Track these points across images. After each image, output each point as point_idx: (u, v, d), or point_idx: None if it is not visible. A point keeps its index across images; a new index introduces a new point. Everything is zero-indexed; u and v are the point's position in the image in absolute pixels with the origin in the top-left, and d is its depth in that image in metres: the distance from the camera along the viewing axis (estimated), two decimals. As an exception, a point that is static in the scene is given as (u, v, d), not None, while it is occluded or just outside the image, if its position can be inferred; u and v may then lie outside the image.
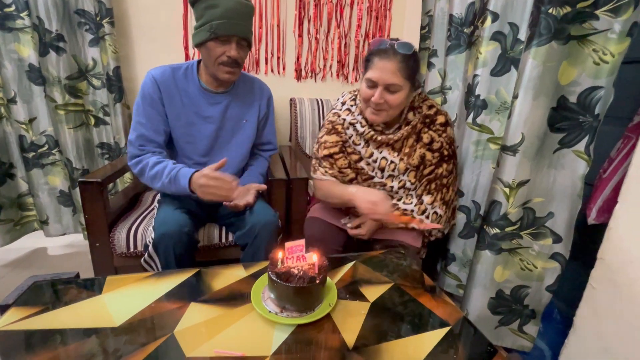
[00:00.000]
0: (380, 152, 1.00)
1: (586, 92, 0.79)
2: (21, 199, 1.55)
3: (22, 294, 0.65)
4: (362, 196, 0.91)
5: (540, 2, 0.80)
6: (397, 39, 0.90)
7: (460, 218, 1.18)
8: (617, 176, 0.82)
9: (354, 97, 1.06)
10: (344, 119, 1.02)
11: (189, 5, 1.17)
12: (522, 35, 0.98)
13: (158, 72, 1.02)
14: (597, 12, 0.75)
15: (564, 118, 0.83)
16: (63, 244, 1.71)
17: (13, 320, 0.58)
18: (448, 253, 1.23)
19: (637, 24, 0.71)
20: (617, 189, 0.75)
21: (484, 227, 0.97)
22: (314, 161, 1.09)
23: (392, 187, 1.02)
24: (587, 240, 0.94)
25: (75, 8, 1.38)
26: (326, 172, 1.03)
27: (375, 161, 1.01)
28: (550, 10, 0.77)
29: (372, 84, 0.90)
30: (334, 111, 1.07)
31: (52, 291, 0.67)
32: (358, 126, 1.01)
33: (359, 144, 1.01)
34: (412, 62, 0.89)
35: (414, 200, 1.00)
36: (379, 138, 0.99)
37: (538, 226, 0.92)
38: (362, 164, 1.02)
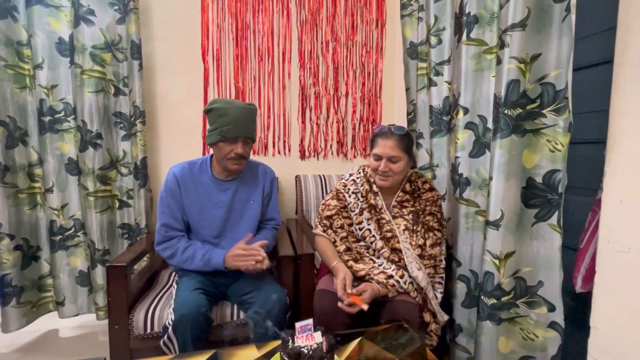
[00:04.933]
0: (369, 224, 1.18)
1: (548, 174, 0.93)
2: (41, 280, 1.63)
3: (55, 382, 0.70)
4: (336, 273, 1.08)
5: (497, 104, 0.98)
6: (393, 124, 1.17)
7: (461, 287, 1.23)
8: (592, 246, 0.91)
9: (361, 170, 1.28)
10: (349, 189, 1.24)
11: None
12: (491, 124, 1.16)
13: (178, 169, 1.23)
14: (544, 111, 0.93)
15: (535, 196, 0.96)
16: (74, 326, 1.73)
17: (48, 409, 0.64)
18: (454, 324, 1.25)
19: (572, 124, 0.88)
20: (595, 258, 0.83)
21: (482, 297, 1.03)
22: (317, 219, 1.27)
23: (373, 251, 1.16)
24: (584, 307, 0.98)
25: (114, 111, 1.64)
26: (325, 230, 1.21)
27: (360, 229, 1.19)
28: (506, 111, 0.95)
29: (378, 157, 1.14)
30: (342, 181, 1.29)
31: (82, 378, 0.72)
32: (359, 195, 1.22)
33: (354, 211, 1.21)
34: (406, 140, 1.15)
35: (393, 266, 1.10)
36: (374, 204, 1.18)
37: (531, 295, 0.98)
38: (352, 228, 1.21)
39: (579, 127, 0.98)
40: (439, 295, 1.12)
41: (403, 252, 1.10)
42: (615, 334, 0.80)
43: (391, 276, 1.06)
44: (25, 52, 1.52)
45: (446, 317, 1.12)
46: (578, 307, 1.01)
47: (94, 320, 1.69)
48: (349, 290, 0.98)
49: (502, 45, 0.95)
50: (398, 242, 1.12)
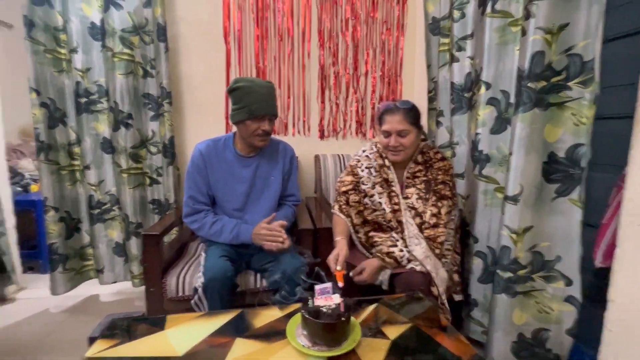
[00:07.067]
0: (380, 197, 1.23)
1: (572, 148, 0.91)
2: (83, 250, 1.78)
3: (104, 329, 0.80)
4: (335, 246, 1.14)
5: (521, 77, 0.96)
6: (398, 100, 1.20)
7: (478, 263, 1.24)
8: (614, 222, 0.89)
9: (373, 146, 1.32)
10: (362, 164, 1.29)
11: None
12: (513, 99, 1.13)
13: (203, 146, 1.29)
14: (570, 84, 0.91)
15: (556, 170, 0.95)
16: (112, 292, 1.89)
17: (100, 349, 0.73)
18: (470, 298, 1.27)
19: (598, 96, 0.85)
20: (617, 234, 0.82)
21: (497, 271, 1.04)
22: (335, 196, 1.34)
23: (387, 222, 1.21)
24: (604, 283, 0.98)
25: (143, 92, 1.72)
26: (341, 206, 1.27)
27: (373, 202, 1.24)
28: (529, 85, 0.93)
29: (388, 134, 1.17)
30: (356, 157, 1.34)
31: (126, 327, 0.82)
32: (372, 170, 1.27)
33: (367, 184, 1.26)
34: (412, 112, 1.17)
35: (401, 240, 1.15)
36: (386, 177, 1.23)
37: (548, 269, 0.98)
38: (366, 199, 1.26)
39: (606, 101, 0.94)
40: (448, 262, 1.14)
41: (404, 226, 1.14)
42: (631, 307, 0.80)
43: (392, 252, 1.11)
44: (62, 37, 1.61)
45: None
46: (597, 283, 1.00)
47: (130, 287, 1.84)
48: (338, 267, 1.04)
49: (527, 15, 0.92)
50: (402, 215, 1.17)
